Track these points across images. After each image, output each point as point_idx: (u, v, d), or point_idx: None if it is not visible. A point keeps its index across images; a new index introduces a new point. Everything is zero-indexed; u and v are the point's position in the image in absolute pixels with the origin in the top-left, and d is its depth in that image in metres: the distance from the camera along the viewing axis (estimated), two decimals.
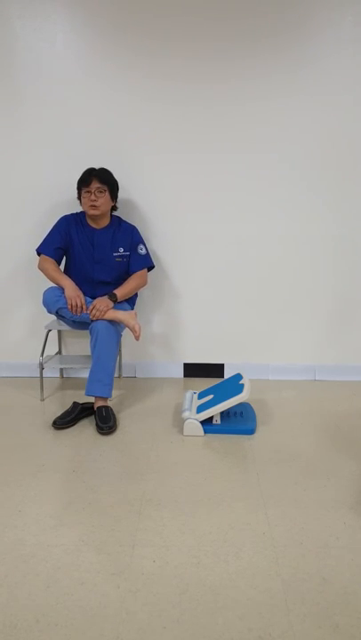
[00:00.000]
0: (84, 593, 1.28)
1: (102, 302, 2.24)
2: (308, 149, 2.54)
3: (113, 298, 2.29)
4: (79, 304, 2.21)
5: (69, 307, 2.22)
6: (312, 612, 1.22)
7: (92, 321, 2.25)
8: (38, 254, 2.41)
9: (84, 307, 2.23)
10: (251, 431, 2.13)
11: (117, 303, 2.32)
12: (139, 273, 2.46)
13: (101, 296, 2.30)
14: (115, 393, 2.58)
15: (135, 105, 2.51)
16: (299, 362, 2.80)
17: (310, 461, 1.92)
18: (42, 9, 2.41)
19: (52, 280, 2.34)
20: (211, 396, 2.22)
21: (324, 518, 1.58)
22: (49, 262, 2.36)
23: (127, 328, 2.32)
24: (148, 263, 2.49)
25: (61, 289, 2.30)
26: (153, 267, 2.54)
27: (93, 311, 2.21)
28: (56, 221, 2.43)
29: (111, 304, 2.27)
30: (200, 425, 2.11)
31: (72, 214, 2.44)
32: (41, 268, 2.37)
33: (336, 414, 2.34)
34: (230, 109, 2.50)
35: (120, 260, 2.43)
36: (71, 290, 2.25)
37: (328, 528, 1.53)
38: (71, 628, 1.17)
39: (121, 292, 2.35)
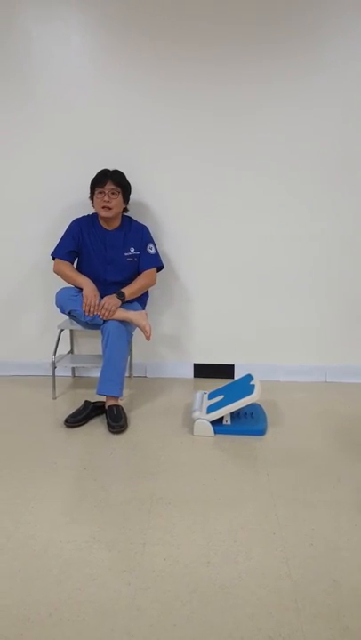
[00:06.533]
0: (96, 589, 1.30)
1: (110, 301, 2.26)
2: (321, 149, 2.53)
3: (121, 296, 2.31)
4: (93, 304, 2.24)
5: (84, 305, 2.24)
6: (322, 614, 1.22)
7: (103, 321, 2.27)
8: (53, 259, 2.44)
9: (97, 307, 2.25)
10: (261, 432, 2.14)
11: (126, 302, 2.34)
12: (147, 272, 2.47)
13: (110, 294, 2.32)
14: (125, 392, 2.60)
15: (147, 107, 2.52)
16: (309, 363, 2.79)
17: (321, 463, 1.92)
18: (56, 12, 2.44)
19: (70, 281, 2.37)
20: (221, 397, 2.22)
21: (334, 520, 1.58)
22: (65, 265, 2.39)
23: (138, 328, 2.33)
24: (157, 263, 2.50)
25: (75, 289, 2.33)
26: (162, 267, 2.56)
27: (102, 311, 2.23)
28: (68, 225, 2.45)
29: (119, 302, 2.28)
30: (210, 425, 2.12)
31: (84, 217, 2.47)
32: (57, 271, 2.41)
33: (347, 416, 2.33)
34: (243, 113, 2.50)
35: (131, 259, 2.45)
36: (89, 289, 2.28)
37: (338, 529, 1.53)
38: (83, 623, 1.19)
39: (129, 291, 2.36)
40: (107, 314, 2.23)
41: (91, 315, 2.24)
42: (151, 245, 2.49)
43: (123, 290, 2.34)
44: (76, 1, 2.42)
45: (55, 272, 2.42)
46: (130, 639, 1.15)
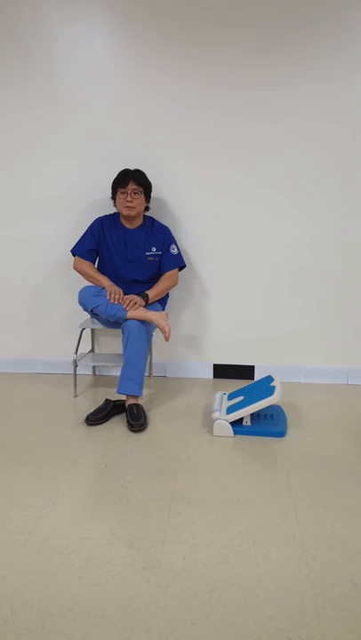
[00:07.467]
0: (116, 585, 1.31)
1: (135, 297, 2.32)
2: (343, 152, 2.51)
3: (145, 298, 2.34)
4: (117, 292, 2.30)
5: (108, 294, 2.29)
6: (343, 617, 1.21)
7: (124, 320, 2.29)
8: (73, 255, 2.48)
9: (122, 297, 2.30)
10: (281, 434, 2.12)
11: (148, 304, 2.37)
12: (170, 273, 2.49)
13: (134, 294, 2.35)
14: (145, 392, 2.61)
15: (168, 108, 2.54)
16: (331, 365, 2.76)
17: (342, 466, 1.89)
18: (81, 14, 2.47)
19: (92, 281, 2.42)
20: (241, 398, 2.22)
21: (355, 523, 1.55)
22: (86, 265, 2.44)
23: (158, 328, 2.35)
24: (179, 263, 2.52)
25: (97, 287, 2.36)
26: (184, 266, 2.57)
27: (127, 300, 2.29)
28: (91, 223, 2.49)
29: (143, 302, 2.32)
30: (230, 426, 2.11)
31: (106, 216, 2.50)
32: (77, 269, 2.46)
33: None
34: (263, 116, 2.50)
35: (152, 259, 2.47)
36: (111, 285, 2.36)
37: (360, 533, 1.51)
38: (103, 618, 1.20)
39: (152, 293, 2.40)
40: (131, 304, 2.27)
41: (115, 302, 2.27)
42: (174, 246, 2.50)
43: (147, 292, 2.38)
44: (99, 3, 2.46)
45: (76, 269, 2.46)
46: (149, 635, 1.16)
